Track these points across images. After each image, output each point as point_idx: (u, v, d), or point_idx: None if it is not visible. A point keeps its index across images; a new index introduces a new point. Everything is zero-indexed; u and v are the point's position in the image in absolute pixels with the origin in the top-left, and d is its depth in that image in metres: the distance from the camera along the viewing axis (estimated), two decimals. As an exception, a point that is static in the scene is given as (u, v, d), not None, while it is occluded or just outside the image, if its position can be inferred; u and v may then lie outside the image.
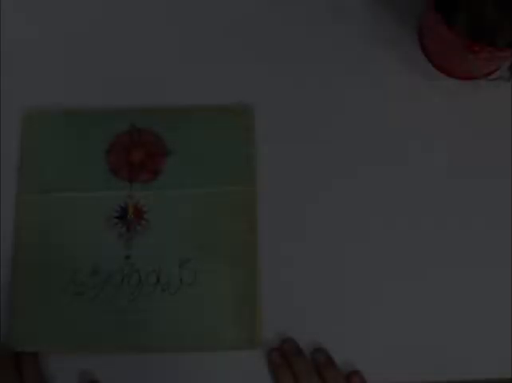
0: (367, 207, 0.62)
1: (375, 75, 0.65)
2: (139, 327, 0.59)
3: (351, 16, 0.67)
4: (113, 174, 0.62)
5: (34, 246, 0.61)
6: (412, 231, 0.62)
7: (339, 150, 0.64)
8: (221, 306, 0.59)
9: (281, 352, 0.59)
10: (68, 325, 0.59)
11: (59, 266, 0.60)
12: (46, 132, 0.63)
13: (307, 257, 0.61)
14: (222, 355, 0.59)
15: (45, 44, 0.66)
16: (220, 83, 0.65)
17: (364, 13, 0.67)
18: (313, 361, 0.59)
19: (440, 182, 0.63)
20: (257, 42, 0.66)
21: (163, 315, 0.59)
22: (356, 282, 0.61)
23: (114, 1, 0.68)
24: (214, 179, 0.62)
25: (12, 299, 0.60)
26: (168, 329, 0.59)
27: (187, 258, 0.60)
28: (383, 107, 0.65)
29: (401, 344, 0.59)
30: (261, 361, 0.59)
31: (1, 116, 0.64)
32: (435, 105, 0.65)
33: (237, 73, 0.65)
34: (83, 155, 0.63)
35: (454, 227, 0.62)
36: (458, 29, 0.57)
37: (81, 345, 0.59)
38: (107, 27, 0.67)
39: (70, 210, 0.61)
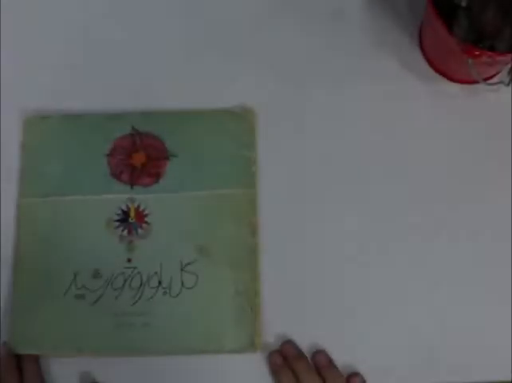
0: (367, 208, 0.62)
1: (375, 78, 0.65)
2: (141, 330, 0.59)
3: (351, 19, 0.67)
4: (114, 177, 0.62)
5: (36, 249, 0.61)
6: (412, 232, 0.62)
7: (339, 152, 0.64)
8: (222, 310, 0.59)
9: (282, 354, 0.59)
10: (69, 328, 0.59)
11: (60, 269, 0.60)
12: (47, 136, 0.63)
13: (308, 260, 0.61)
14: (222, 358, 0.59)
15: (45, 47, 0.67)
16: (222, 86, 0.65)
17: (364, 16, 0.67)
18: (313, 362, 0.59)
19: (440, 184, 0.63)
20: (258, 44, 0.66)
21: (164, 318, 0.59)
22: (356, 284, 0.61)
23: (115, 5, 0.68)
24: (216, 182, 0.62)
25: (13, 302, 0.60)
26: (169, 333, 0.59)
27: (188, 262, 0.60)
28: (383, 110, 0.65)
29: (401, 346, 0.60)
30: (261, 364, 0.59)
31: (1, 120, 0.64)
32: (435, 109, 0.65)
33: (238, 75, 0.65)
34: (84, 158, 0.62)
35: (455, 228, 0.62)
36: (459, 34, 0.58)
37: (82, 348, 0.59)
38: (108, 30, 0.67)
39: (71, 213, 0.61)
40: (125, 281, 0.60)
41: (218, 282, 0.60)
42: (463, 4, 0.58)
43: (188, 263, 0.60)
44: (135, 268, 0.60)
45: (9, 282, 0.60)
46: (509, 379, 0.59)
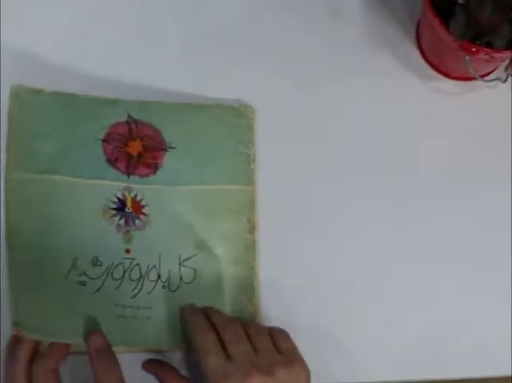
0: (367, 207, 0.63)
1: (373, 77, 0.65)
2: (143, 323, 0.58)
3: (350, 18, 0.67)
4: (110, 164, 0.60)
5: (28, 227, 0.58)
6: (412, 231, 0.62)
7: (338, 150, 0.64)
8: (221, 306, 0.59)
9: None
10: (69, 316, 0.58)
11: (57, 251, 0.58)
12: (37, 110, 0.60)
13: (306, 257, 0.61)
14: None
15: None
16: (221, 82, 0.64)
17: (362, 14, 0.67)
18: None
19: (439, 182, 0.63)
20: (258, 42, 0.66)
21: (164, 312, 0.59)
22: (356, 281, 0.61)
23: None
24: (214, 177, 0.61)
25: (11, 286, 0.57)
26: (170, 327, 0.58)
27: (186, 256, 0.59)
28: (381, 108, 0.65)
29: (401, 342, 0.60)
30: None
31: None
32: (433, 107, 0.65)
33: (237, 73, 0.65)
34: (77, 140, 0.60)
35: (455, 227, 0.62)
36: (456, 31, 0.58)
37: (81, 338, 0.57)
38: (112, 25, 0.66)
39: (65, 195, 0.59)
40: (125, 272, 0.59)
41: (217, 277, 0.59)
42: (460, 1, 0.58)
43: (187, 258, 0.59)
44: (133, 259, 0.59)
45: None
46: (509, 374, 0.59)
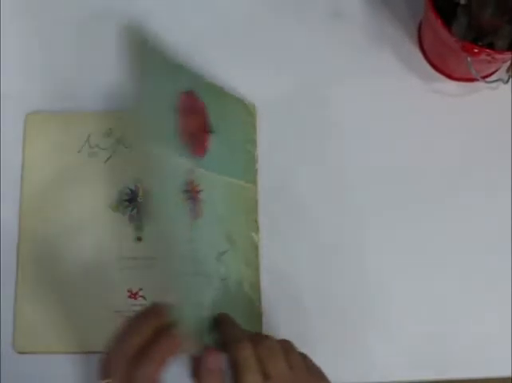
0: (367, 207, 0.63)
1: (375, 77, 0.65)
2: (200, 323, 0.50)
3: (351, 18, 0.67)
4: (181, 139, 0.51)
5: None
6: (413, 231, 0.62)
7: (338, 150, 0.64)
8: (243, 306, 0.57)
9: None
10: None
11: (171, 240, 0.49)
12: (147, 61, 0.49)
13: (307, 256, 0.61)
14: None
15: None
16: (221, 82, 0.63)
17: (363, 14, 0.67)
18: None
19: (439, 182, 0.63)
20: (258, 42, 0.66)
21: (210, 312, 0.52)
22: (358, 282, 0.61)
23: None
24: (235, 171, 0.58)
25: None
26: (209, 327, 0.51)
27: (222, 250, 0.54)
28: (382, 108, 0.65)
29: (402, 342, 0.60)
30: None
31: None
32: (434, 107, 0.65)
33: (238, 72, 0.65)
34: (164, 105, 0.50)
35: (455, 227, 0.62)
36: (458, 32, 0.58)
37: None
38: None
39: (157, 171, 0.49)
40: (191, 266, 0.50)
41: (240, 276, 0.57)
42: (462, 2, 0.58)
43: (223, 252, 0.54)
44: (194, 251, 0.51)
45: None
46: (509, 375, 0.59)
